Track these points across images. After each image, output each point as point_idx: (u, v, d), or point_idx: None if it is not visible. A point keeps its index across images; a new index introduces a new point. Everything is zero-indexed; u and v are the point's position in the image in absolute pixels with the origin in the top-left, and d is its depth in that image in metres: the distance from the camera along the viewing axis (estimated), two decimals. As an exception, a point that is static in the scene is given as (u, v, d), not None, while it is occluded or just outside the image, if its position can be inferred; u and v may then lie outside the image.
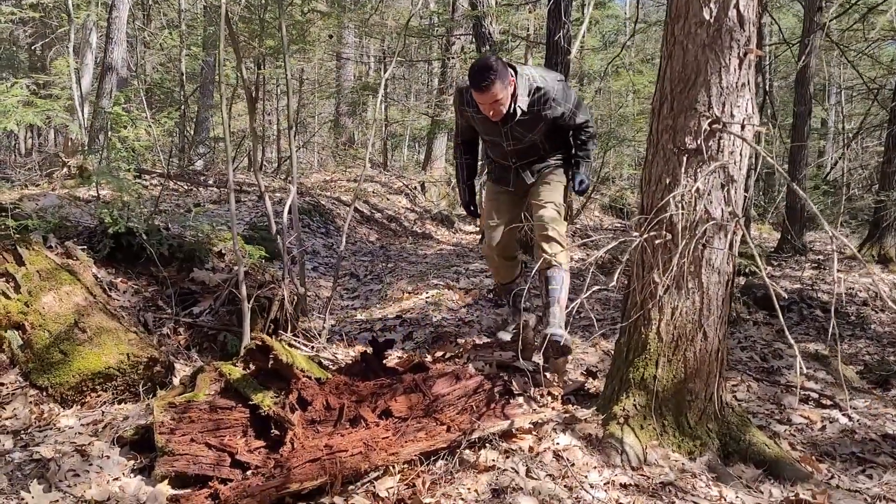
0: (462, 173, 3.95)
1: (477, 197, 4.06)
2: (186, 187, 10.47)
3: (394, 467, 2.39)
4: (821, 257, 9.01)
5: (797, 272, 7.35)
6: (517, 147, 3.55)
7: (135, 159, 10.02)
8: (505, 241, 3.74)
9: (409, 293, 5.82)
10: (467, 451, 2.46)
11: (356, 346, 4.29)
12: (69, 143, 12.66)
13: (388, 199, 11.83)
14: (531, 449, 2.50)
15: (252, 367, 2.73)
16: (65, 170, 9.97)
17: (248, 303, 3.43)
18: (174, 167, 11.76)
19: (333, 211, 9.80)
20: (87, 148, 10.22)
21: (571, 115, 3.48)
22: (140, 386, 3.20)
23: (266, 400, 2.51)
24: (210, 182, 10.53)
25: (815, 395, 3.47)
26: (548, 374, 2.93)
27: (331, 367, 3.59)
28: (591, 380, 3.21)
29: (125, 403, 3.16)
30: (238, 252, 3.23)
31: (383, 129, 15.62)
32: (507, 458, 2.43)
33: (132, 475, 2.40)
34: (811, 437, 3.04)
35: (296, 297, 4.09)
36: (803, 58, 8.38)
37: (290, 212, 4.88)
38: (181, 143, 13.01)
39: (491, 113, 3.28)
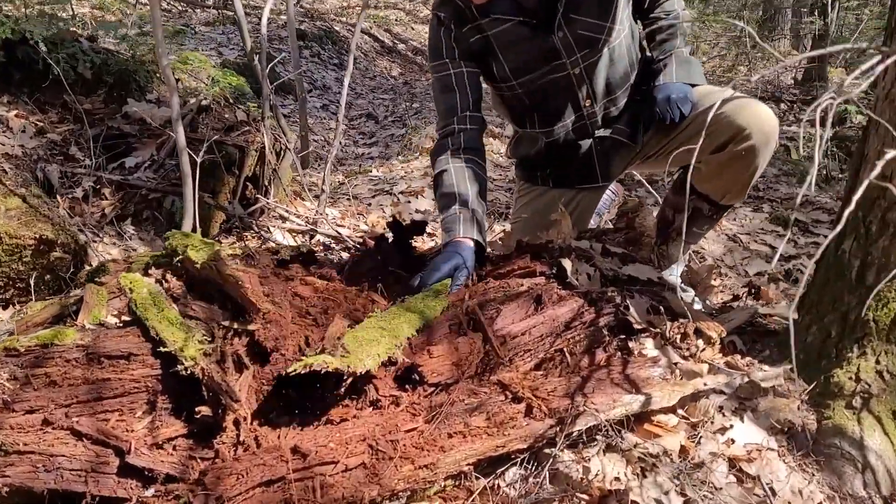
0: (460, 185, 1.87)
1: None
2: (182, 7, 9.14)
3: (428, 488, 1.25)
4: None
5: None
6: (592, 63, 1.97)
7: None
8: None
9: (441, 141, 4.54)
10: (565, 455, 1.30)
11: (370, 216, 3.09)
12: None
13: (412, 29, 10.29)
14: (684, 451, 1.34)
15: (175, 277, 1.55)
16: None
17: (199, 154, 2.19)
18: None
19: (349, 39, 8.33)
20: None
21: None
22: (30, 280, 2.07)
23: (190, 348, 1.33)
24: (209, 2, 9.12)
25: None
26: (684, 295, 1.73)
27: (331, 251, 2.43)
28: (749, 298, 1.97)
29: (4, 309, 2.04)
30: (166, 69, 1.91)
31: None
32: (643, 474, 1.27)
33: (-60, 482, 1.29)
34: None
35: (284, 147, 2.85)
36: None
37: (268, 27, 3.52)
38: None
39: None
